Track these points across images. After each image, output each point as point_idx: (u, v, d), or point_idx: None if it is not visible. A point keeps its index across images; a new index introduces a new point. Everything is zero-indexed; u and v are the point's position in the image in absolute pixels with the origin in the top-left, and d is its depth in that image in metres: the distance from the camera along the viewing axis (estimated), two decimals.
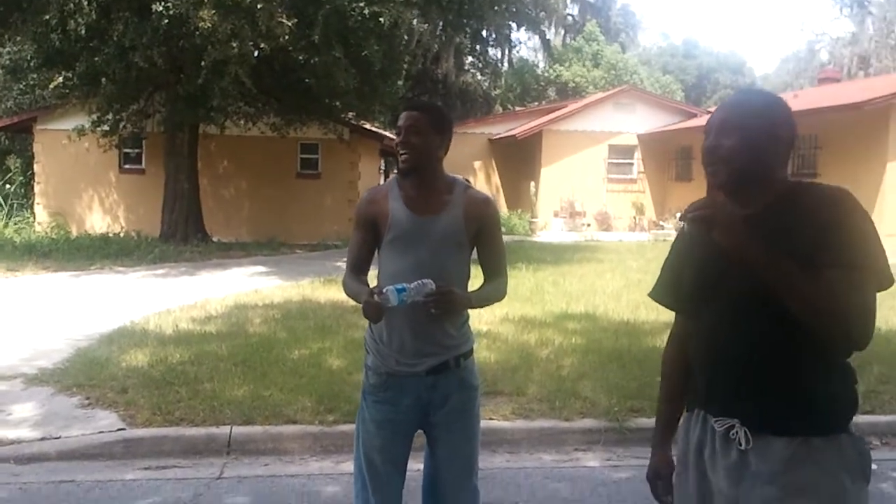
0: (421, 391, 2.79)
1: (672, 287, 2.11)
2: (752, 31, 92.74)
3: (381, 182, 19.58)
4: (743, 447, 1.86)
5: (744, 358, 1.87)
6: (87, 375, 6.04)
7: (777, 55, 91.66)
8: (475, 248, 2.88)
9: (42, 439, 4.84)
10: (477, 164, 26.46)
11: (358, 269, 2.87)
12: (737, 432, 1.87)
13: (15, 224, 19.18)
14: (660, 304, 2.17)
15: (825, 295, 1.71)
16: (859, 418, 1.88)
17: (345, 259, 2.98)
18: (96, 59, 14.55)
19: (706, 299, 1.94)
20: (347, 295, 2.84)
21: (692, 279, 2.00)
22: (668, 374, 2.18)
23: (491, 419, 5.12)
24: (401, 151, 2.75)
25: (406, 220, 2.75)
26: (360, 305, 2.61)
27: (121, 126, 16.76)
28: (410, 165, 2.74)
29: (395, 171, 2.90)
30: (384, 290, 2.52)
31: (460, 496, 2.92)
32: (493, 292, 2.90)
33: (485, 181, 26.23)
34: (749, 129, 1.85)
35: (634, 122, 24.16)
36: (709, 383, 1.96)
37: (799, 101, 19.23)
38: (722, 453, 1.91)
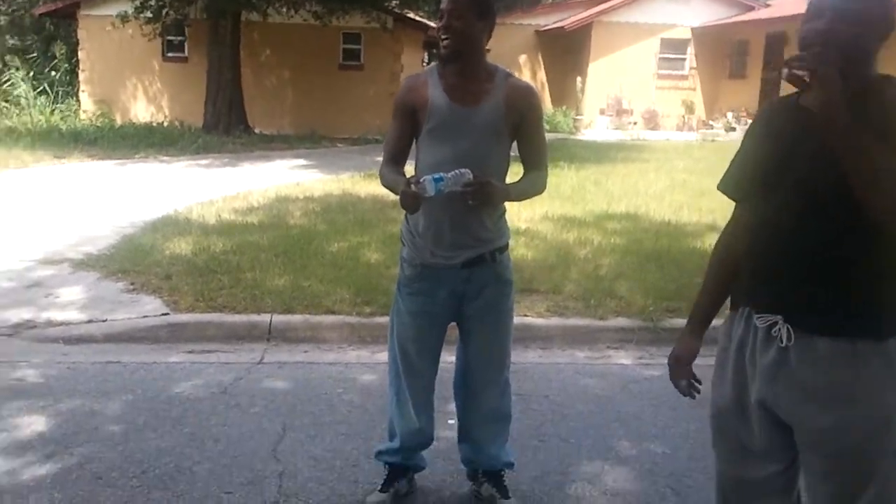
0: (456, 283, 2.79)
1: (740, 178, 2.01)
2: None
3: None
4: (784, 344, 1.81)
5: (805, 251, 1.80)
6: (131, 262, 6.19)
7: None
8: (515, 141, 2.81)
9: (89, 321, 5.01)
10: (522, 58, 25.76)
11: (395, 160, 2.82)
12: (779, 329, 1.82)
13: (61, 112, 19.36)
14: (727, 194, 2.06)
15: None
16: None
17: None
18: None
19: (776, 186, 1.85)
20: (384, 186, 2.81)
21: (763, 163, 1.90)
22: (717, 266, 2.10)
23: (526, 316, 5.15)
24: (442, 36, 2.65)
25: (446, 108, 2.68)
26: (398, 197, 2.59)
27: (164, 13, 16.57)
28: (452, 50, 2.65)
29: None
30: (421, 180, 2.48)
31: (490, 388, 2.97)
32: (532, 186, 2.84)
33: (530, 77, 25.55)
34: (868, 17, 1.75)
35: (689, 14, 23.15)
36: (758, 277, 1.90)
37: None
38: (761, 351, 1.87)
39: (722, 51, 23.12)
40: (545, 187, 2.90)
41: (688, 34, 23.28)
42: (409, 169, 2.77)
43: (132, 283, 5.69)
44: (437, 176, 2.49)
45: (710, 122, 22.28)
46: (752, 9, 23.52)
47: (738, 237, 2.01)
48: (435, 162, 2.65)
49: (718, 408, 2.03)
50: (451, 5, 2.62)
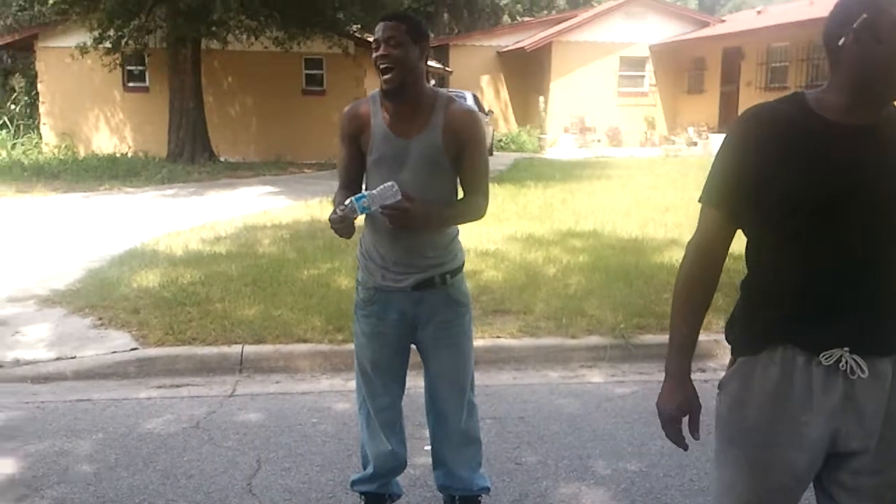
0: (407, 306, 2.80)
1: (737, 193, 1.77)
2: None
3: None
4: (858, 376, 1.71)
5: (875, 277, 1.71)
6: (99, 296, 6.12)
7: None
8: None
9: (57, 359, 4.93)
10: (485, 78, 26.01)
11: (348, 186, 2.84)
12: (846, 362, 1.71)
13: (22, 145, 19.11)
14: (720, 209, 1.81)
15: None
16: None
17: None
18: None
19: (830, 212, 1.69)
20: None
21: (784, 184, 1.70)
22: (700, 289, 1.87)
23: (498, 337, 5.17)
24: (382, 66, 2.61)
25: (387, 140, 2.69)
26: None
27: (123, 42, 16.49)
28: (395, 83, 2.61)
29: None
30: (346, 202, 2.50)
31: (455, 412, 2.96)
32: (465, 211, 2.81)
33: (493, 97, 25.83)
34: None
35: (646, 32, 23.60)
36: (808, 311, 1.74)
37: (815, 8, 18.62)
38: (824, 390, 1.73)
39: (680, 67, 23.56)
40: (483, 213, 2.84)
41: (646, 51, 23.69)
42: None
43: (100, 319, 5.62)
44: (359, 195, 2.51)
45: (672, 138, 22.62)
46: (707, 25, 24.03)
47: (719, 255, 1.85)
48: None
49: (755, 445, 1.83)
50: (388, 33, 2.61)
